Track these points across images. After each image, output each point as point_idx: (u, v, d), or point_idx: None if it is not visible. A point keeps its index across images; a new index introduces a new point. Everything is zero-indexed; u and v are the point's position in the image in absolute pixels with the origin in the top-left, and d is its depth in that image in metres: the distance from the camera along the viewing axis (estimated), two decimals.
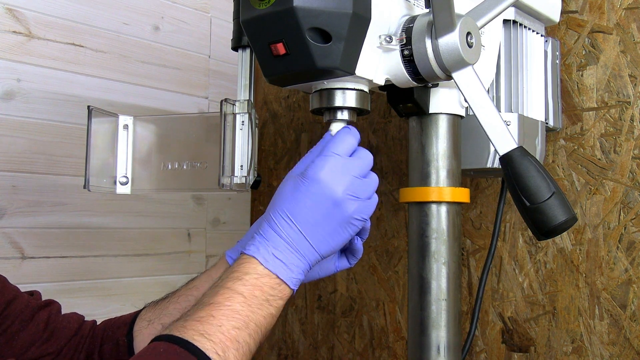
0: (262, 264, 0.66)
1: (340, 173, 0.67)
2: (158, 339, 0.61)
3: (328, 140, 0.71)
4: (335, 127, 0.74)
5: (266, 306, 0.65)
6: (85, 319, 0.88)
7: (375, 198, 0.70)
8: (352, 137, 0.71)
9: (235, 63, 0.89)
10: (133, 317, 0.85)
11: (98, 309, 1.29)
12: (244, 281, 0.65)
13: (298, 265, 0.67)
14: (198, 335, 0.60)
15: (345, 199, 0.67)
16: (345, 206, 0.67)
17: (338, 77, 0.70)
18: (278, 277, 0.66)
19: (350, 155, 0.70)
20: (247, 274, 0.65)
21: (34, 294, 0.86)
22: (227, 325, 0.62)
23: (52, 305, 0.85)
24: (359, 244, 0.76)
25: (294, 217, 0.67)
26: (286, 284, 0.66)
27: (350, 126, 0.72)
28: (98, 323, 0.88)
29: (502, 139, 0.70)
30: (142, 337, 0.82)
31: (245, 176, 0.87)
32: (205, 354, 0.59)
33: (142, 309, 0.86)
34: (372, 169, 0.71)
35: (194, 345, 0.59)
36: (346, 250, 0.78)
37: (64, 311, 0.87)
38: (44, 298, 0.87)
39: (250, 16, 0.69)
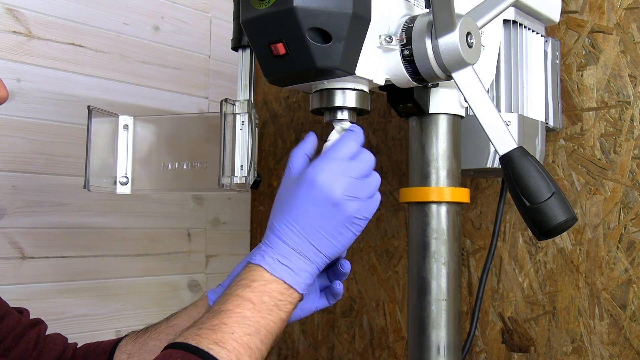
0: (268, 271, 0.66)
1: (339, 175, 0.67)
2: (173, 346, 0.61)
3: (330, 144, 0.72)
4: (333, 136, 0.74)
5: (276, 311, 0.66)
6: (68, 341, 0.87)
7: (378, 197, 0.70)
8: (354, 141, 0.71)
9: (235, 63, 0.88)
10: (113, 347, 0.84)
11: (98, 309, 1.29)
12: (252, 288, 0.65)
13: (305, 269, 0.67)
14: (212, 343, 0.60)
15: (344, 199, 0.67)
16: (345, 206, 0.67)
17: (338, 77, 0.70)
18: (285, 282, 0.66)
19: (352, 158, 0.70)
20: (254, 281, 0.66)
21: (23, 312, 0.86)
22: (239, 332, 0.62)
23: (40, 324, 0.85)
24: (339, 287, 0.77)
25: (295, 222, 0.67)
26: (294, 288, 0.67)
27: (354, 128, 0.72)
28: (79, 346, 0.87)
29: (502, 139, 0.70)
30: None
31: (245, 176, 0.86)
32: None
33: (122, 338, 0.85)
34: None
35: (209, 354, 0.59)
36: (327, 290, 0.79)
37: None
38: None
39: (250, 16, 0.69)
